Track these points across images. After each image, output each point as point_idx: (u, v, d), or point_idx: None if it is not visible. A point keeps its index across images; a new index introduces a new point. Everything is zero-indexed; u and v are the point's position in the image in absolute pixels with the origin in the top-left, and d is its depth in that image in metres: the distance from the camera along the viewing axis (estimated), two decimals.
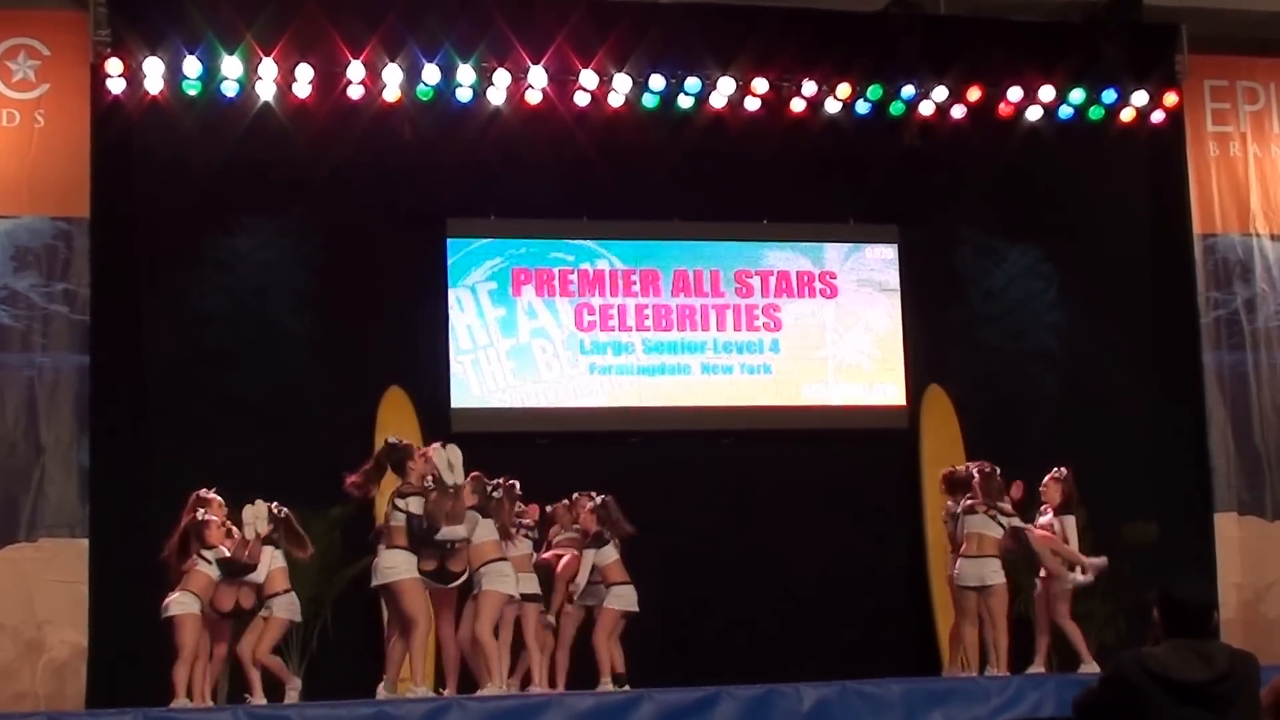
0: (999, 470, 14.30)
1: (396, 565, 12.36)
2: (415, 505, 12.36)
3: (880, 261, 18.00)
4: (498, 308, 17.08)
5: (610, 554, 13.69)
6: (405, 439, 13.33)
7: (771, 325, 17.64)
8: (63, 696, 13.84)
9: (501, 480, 13.36)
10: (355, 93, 16.05)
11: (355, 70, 15.90)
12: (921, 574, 16.28)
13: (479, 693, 12.42)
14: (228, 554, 12.89)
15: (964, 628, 14.05)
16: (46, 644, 14.20)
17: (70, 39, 15.56)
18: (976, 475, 14.21)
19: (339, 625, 15.67)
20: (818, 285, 17.85)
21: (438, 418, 16.50)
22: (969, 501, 14.05)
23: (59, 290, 15.18)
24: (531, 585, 13.27)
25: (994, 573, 13.82)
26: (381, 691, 12.48)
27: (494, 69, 16.22)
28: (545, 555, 13.93)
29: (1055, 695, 11.32)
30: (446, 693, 12.89)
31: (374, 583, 12.65)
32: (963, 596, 13.99)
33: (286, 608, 13.13)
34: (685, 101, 16.89)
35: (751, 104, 17.01)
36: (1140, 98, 17.59)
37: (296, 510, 14.48)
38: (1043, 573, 14.12)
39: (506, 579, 12.75)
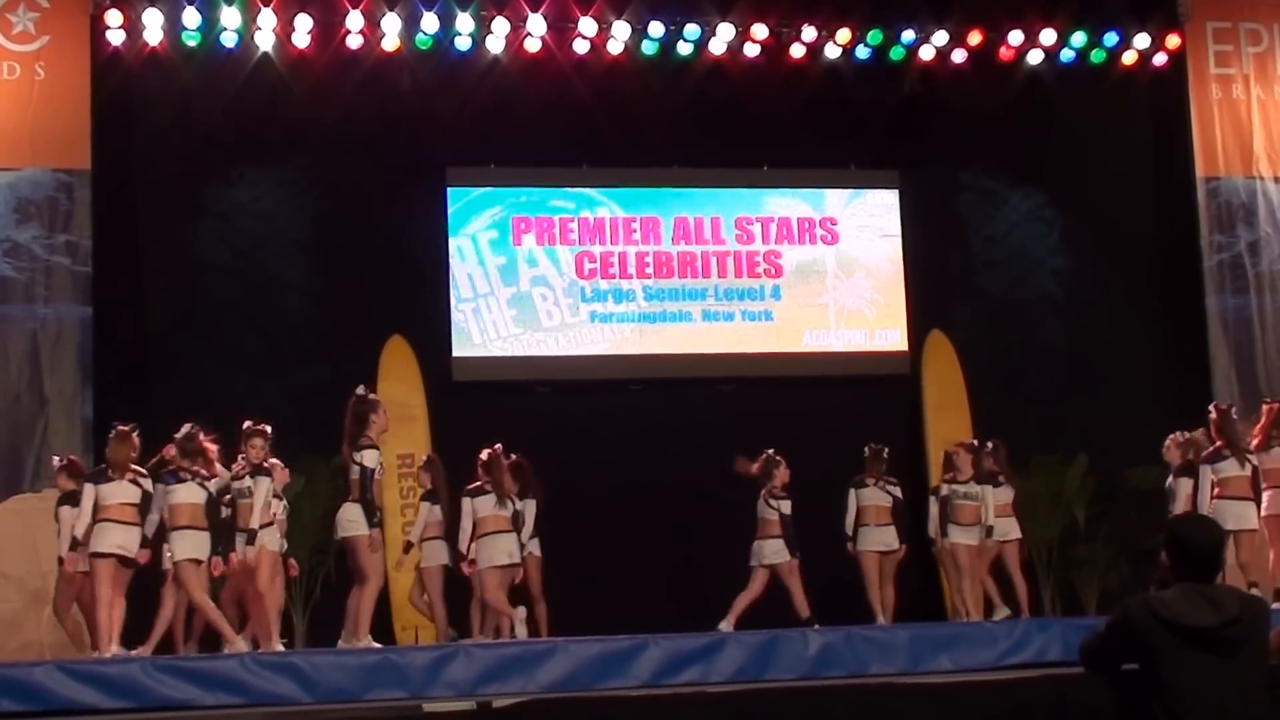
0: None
1: (354, 519, 12.25)
2: (370, 459, 12.22)
3: (881, 207, 17.99)
4: (498, 256, 17.08)
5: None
6: (373, 393, 13.08)
7: (772, 272, 17.64)
8: (69, 646, 13.85)
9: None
10: (354, 42, 16.06)
11: (354, 20, 15.90)
12: (923, 519, 16.27)
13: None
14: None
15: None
16: (52, 594, 14.23)
17: None
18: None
19: (342, 573, 15.70)
20: (819, 231, 17.85)
21: (439, 366, 16.55)
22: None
23: (61, 242, 15.16)
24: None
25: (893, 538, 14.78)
26: (340, 643, 12.42)
27: (493, 17, 16.23)
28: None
29: (1061, 640, 11.31)
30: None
31: (335, 535, 12.59)
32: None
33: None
34: (684, 48, 16.88)
35: (751, 50, 17.00)
36: (1142, 40, 17.56)
37: (299, 459, 14.53)
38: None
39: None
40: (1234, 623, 5.83)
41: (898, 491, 14.79)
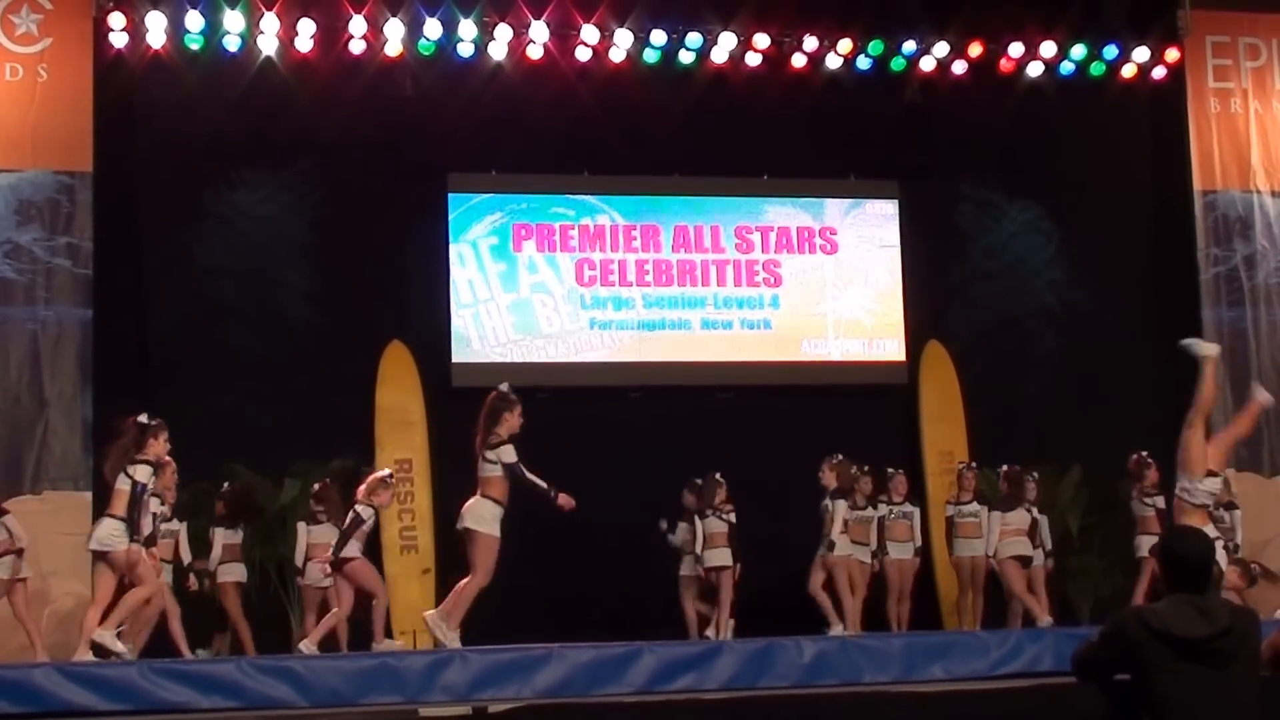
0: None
1: (483, 515, 12.10)
2: (508, 454, 12.24)
3: (880, 217, 18.05)
4: (498, 262, 17.12)
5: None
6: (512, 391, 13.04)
7: (772, 281, 17.69)
8: (68, 647, 13.85)
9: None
10: (357, 48, 16.06)
11: (357, 25, 15.91)
12: (921, 528, 16.30)
13: None
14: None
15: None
16: (51, 595, 14.24)
17: None
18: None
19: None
20: (818, 241, 17.90)
21: (438, 372, 16.59)
22: None
23: (62, 244, 15.17)
24: None
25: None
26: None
27: (495, 24, 16.24)
28: None
29: (1054, 649, 11.35)
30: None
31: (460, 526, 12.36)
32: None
33: None
34: (686, 57, 16.89)
35: (753, 59, 17.02)
36: (1141, 54, 17.60)
37: (297, 462, 14.59)
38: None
39: None
40: (1225, 634, 5.85)
41: (733, 517, 15.19)
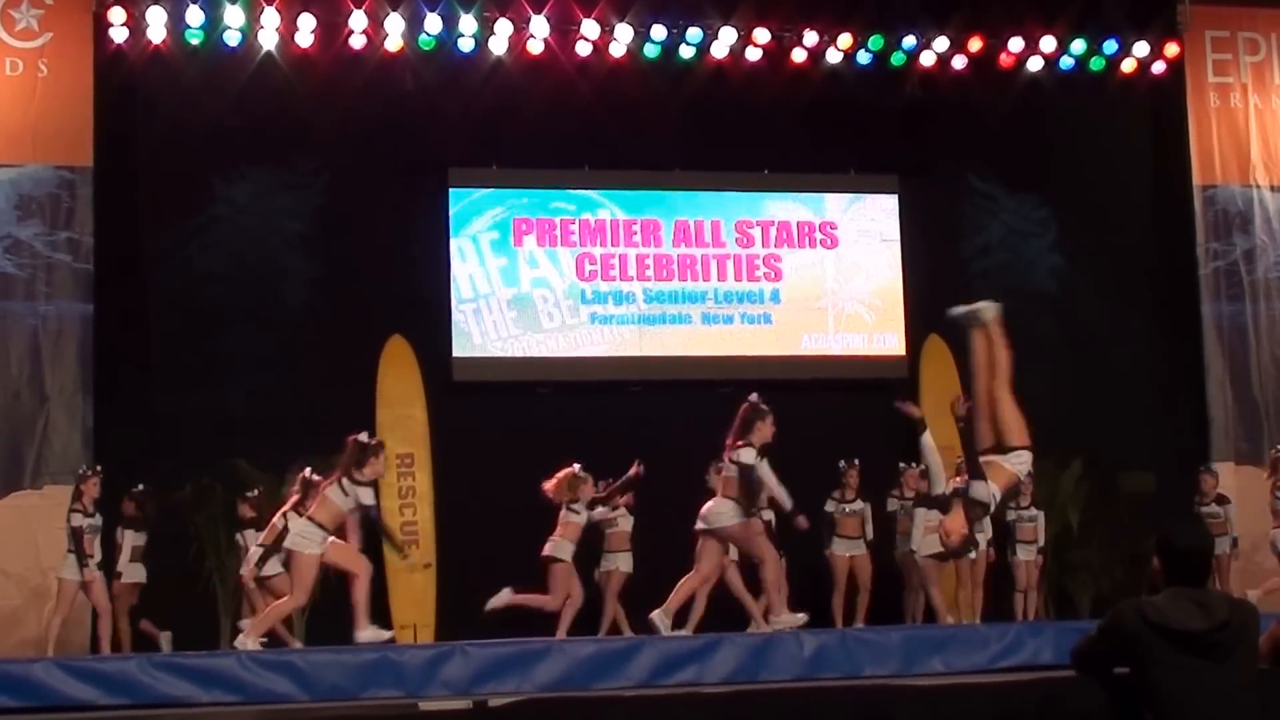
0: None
1: (723, 511, 12.65)
2: (747, 455, 12.53)
3: (881, 212, 18.06)
4: (499, 257, 17.13)
5: None
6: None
7: (772, 275, 17.70)
8: (68, 643, 13.90)
9: None
10: (357, 42, 16.08)
11: (357, 20, 15.94)
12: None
13: None
14: None
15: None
16: (52, 591, 14.24)
17: None
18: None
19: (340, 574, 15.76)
20: (818, 235, 17.90)
21: (439, 366, 16.59)
22: None
23: (63, 239, 15.19)
24: None
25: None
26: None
27: (496, 19, 16.26)
28: None
29: (1053, 643, 11.36)
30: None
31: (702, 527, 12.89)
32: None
33: None
34: (687, 51, 16.90)
35: (753, 54, 17.03)
36: (1141, 48, 17.61)
37: (299, 457, 14.57)
38: None
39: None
40: (1224, 627, 5.84)
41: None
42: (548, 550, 13.81)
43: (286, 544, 12.43)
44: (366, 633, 12.34)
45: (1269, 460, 15.66)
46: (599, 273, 17.35)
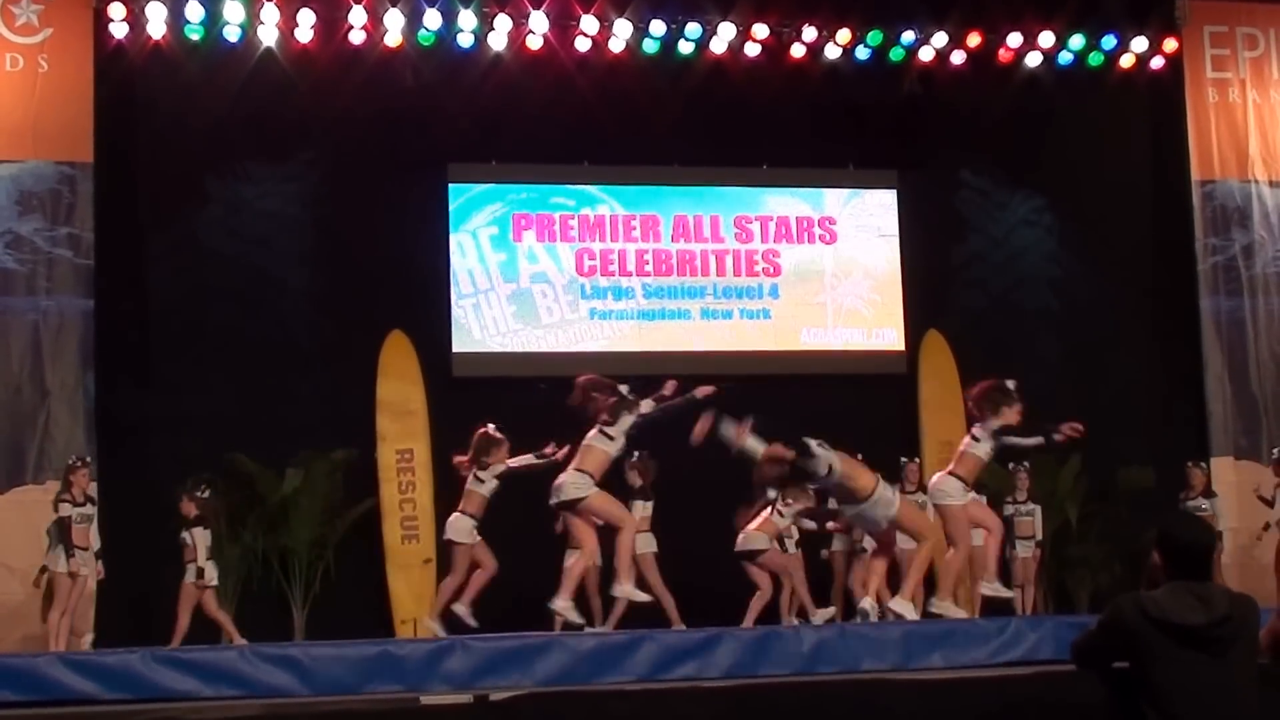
0: None
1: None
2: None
3: (879, 207, 18.07)
4: (499, 252, 17.15)
5: None
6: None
7: (771, 270, 17.72)
8: (75, 635, 13.91)
9: None
10: (357, 38, 16.11)
11: (357, 15, 15.96)
12: None
13: None
14: None
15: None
16: (53, 587, 14.27)
17: None
18: None
19: (341, 566, 15.81)
20: (817, 231, 17.92)
21: (439, 362, 16.61)
22: None
23: (63, 234, 15.23)
24: None
25: None
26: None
27: (495, 14, 16.28)
28: None
29: (1053, 638, 11.36)
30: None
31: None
32: None
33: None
34: (686, 47, 16.93)
35: (752, 49, 17.05)
36: (1140, 44, 17.63)
37: (298, 452, 14.62)
38: None
39: None
40: (1224, 621, 5.86)
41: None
42: (447, 534, 13.87)
43: (565, 495, 12.84)
44: (624, 588, 13.09)
45: (1272, 462, 15.66)
46: (598, 268, 17.38)
